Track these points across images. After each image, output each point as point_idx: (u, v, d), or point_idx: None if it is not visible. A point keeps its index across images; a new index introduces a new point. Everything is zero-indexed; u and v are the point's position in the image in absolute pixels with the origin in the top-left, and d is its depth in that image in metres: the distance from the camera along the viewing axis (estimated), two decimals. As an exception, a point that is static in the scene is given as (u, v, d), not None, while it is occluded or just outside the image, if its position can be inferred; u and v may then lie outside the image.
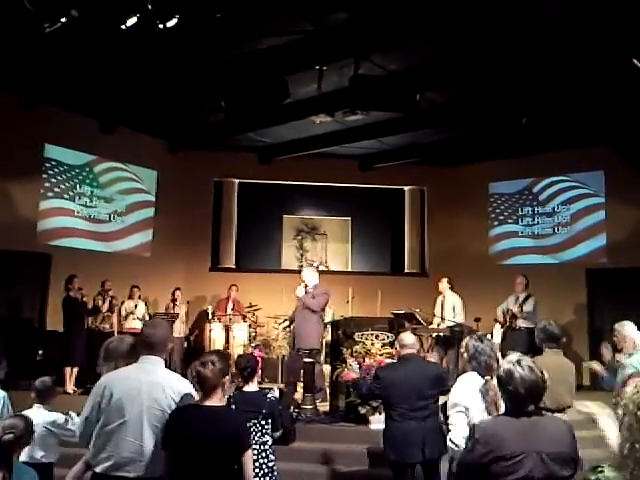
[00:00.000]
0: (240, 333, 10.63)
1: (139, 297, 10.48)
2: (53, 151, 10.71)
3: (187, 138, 12.20)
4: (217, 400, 3.30)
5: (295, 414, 7.23)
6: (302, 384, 7.71)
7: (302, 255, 13.65)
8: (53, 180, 10.70)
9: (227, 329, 10.75)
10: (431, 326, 10.11)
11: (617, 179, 11.14)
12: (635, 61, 7.01)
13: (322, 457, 6.56)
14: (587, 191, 11.75)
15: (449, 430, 3.93)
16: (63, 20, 5.79)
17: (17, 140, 9.79)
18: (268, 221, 13.47)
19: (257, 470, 4.37)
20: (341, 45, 7.87)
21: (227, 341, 10.62)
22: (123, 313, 10.19)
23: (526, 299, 9.70)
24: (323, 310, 8.05)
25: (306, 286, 7.78)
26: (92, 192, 11.35)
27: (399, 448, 4.92)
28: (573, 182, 11.93)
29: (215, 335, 10.70)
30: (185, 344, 11.43)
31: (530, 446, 2.76)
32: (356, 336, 7.44)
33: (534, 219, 12.40)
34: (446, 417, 4.09)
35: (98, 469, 3.27)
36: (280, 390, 7.15)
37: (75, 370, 9.20)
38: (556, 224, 12.09)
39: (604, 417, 3.14)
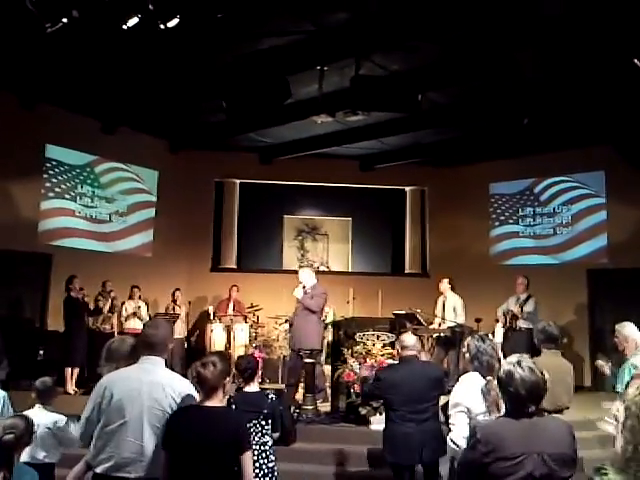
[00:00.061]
0: (241, 333, 10.63)
1: (139, 297, 10.48)
2: (54, 151, 10.71)
3: (188, 138, 12.21)
4: (218, 401, 3.30)
5: (296, 415, 7.23)
6: (303, 385, 7.71)
7: (303, 255, 13.65)
8: (54, 180, 10.70)
9: (228, 329, 10.75)
10: (432, 326, 10.10)
11: (618, 179, 11.13)
12: (636, 61, 6.99)
13: (323, 458, 6.56)
14: (588, 191, 11.74)
15: (450, 430, 3.93)
16: (64, 20, 5.79)
17: (18, 140, 9.79)
18: (269, 221, 13.48)
19: (257, 470, 4.37)
20: (342, 45, 7.87)
21: (228, 341, 10.63)
22: (124, 313, 10.19)
23: (527, 300, 9.70)
24: (322, 310, 8.04)
25: (304, 287, 7.76)
26: (93, 192, 11.35)
27: (396, 450, 4.93)
28: (574, 182, 11.93)
29: (216, 335, 10.70)
30: (186, 344, 11.43)
31: (531, 447, 2.76)
32: (357, 336, 7.44)
33: (535, 219, 12.39)
34: (447, 417, 4.09)
35: (99, 470, 3.27)
36: (280, 391, 7.16)
37: (76, 370, 9.20)
38: (557, 224, 12.08)
39: None
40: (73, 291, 9.34)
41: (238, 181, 13.23)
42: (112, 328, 9.89)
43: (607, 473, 2.60)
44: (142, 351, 3.47)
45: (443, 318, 9.99)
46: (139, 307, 10.31)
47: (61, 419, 4.65)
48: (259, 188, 13.20)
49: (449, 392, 4.27)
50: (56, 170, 10.74)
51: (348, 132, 11.13)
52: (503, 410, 3.02)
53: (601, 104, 9.14)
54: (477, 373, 3.97)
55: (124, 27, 6.03)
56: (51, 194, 10.64)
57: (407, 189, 13.56)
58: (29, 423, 3.62)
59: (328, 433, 6.98)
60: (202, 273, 12.66)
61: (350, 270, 13.63)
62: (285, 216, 13.72)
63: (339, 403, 7.44)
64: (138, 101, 9.89)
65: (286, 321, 9.66)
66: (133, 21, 5.98)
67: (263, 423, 4.63)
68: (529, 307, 9.61)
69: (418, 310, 9.97)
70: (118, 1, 5.81)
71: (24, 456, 3.94)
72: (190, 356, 10.46)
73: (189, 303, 11.82)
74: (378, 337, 7.46)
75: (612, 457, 3.10)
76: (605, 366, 5.47)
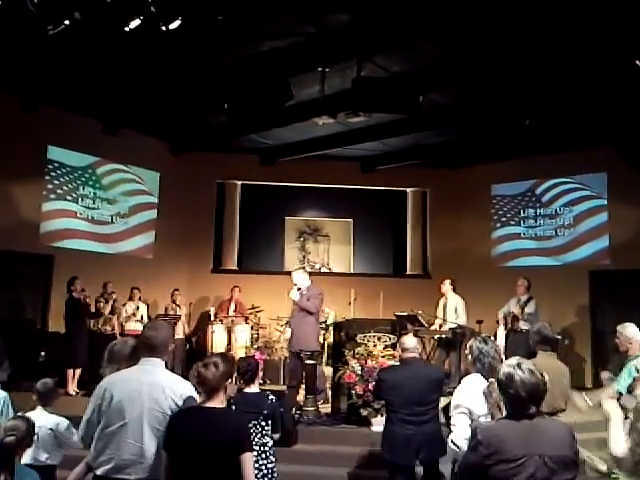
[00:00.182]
0: (242, 335, 10.63)
1: (139, 299, 10.46)
2: (56, 153, 10.72)
3: (190, 140, 12.21)
4: (219, 402, 3.30)
5: (297, 416, 7.23)
6: (304, 386, 7.71)
7: (304, 257, 13.66)
8: (56, 182, 10.71)
9: (229, 331, 10.76)
10: (433, 328, 10.11)
11: (620, 181, 11.12)
12: (637, 62, 6.99)
13: (324, 459, 6.57)
14: (590, 193, 11.73)
15: (451, 431, 3.93)
16: (66, 22, 5.80)
17: (20, 142, 9.80)
18: (270, 223, 13.49)
19: (257, 471, 4.37)
20: (343, 47, 7.87)
21: (229, 343, 10.63)
22: (123, 314, 10.18)
23: (527, 301, 9.68)
24: (319, 310, 8.04)
25: (299, 289, 7.75)
26: (95, 194, 11.36)
27: (395, 450, 4.96)
28: (576, 184, 11.92)
29: (217, 337, 10.71)
30: (187, 346, 11.43)
31: (532, 449, 2.76)
32: (358, 338, 7.43)
33: (536, 221, 12.39)
34: (448, 418, 4.09)
35: (99, 471, 3.27)
36: (281, 393, 7.15)
37: (77, 372, 9.20)
38: (559, 226, 12.08)
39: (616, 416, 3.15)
40: (75, 292, 9.34)
41: (239, 182, 13.24)
42: (113, 329, 9.88)
43: (617, 478, 2.61)
44: (142, 353, 3.47)
45: (444, 319, 9.99)
46: (137, 308, 10.31)
47: (62, 421, 4.65)
48: (260, 189, 13.21)
49: (450, 393, 4.27)
50: (58, 172, 10.75)
51: (349, 133, 11.13)
52: (505, 412, 3.03)
53: (603, 105, 9.14)
54: (479, 375, 3.97)
55: (126, 29, 6.03)
56: (53, 195, 10.65)
57: (408, 190, 13.57)
58: (30, 425, 3.63)
59: (329, 434, 6.97)
60: (203, 274, 12.67)
61: (351, 271, 13.63)
62: (286, 217, 13.73)
63: (340, 404, 7.44)
64: (140, 103, 9.89)
65: (287, 323, 9.66)
66: (135, 23, 5.98)
67: (263, 424, 4.64)
68: (530, 308, 9.59)
69: (419, 311, 9.98)
70: (120, 3, 5.81)
71: (26, 458, 3.95)
72: (191, 357, 10.45)
73: (190, 304, 11.83)
74: (379, 338, 7.45)
75: (612, 459, 3.11)
76: (609, 380, 5.43)
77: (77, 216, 11.01)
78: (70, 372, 9.14)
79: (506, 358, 3.39)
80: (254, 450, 4.21)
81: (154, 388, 3.30)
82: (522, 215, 12.57)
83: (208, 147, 12.32)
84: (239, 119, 9.82)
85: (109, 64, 8.29)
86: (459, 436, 3.76)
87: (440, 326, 10.06)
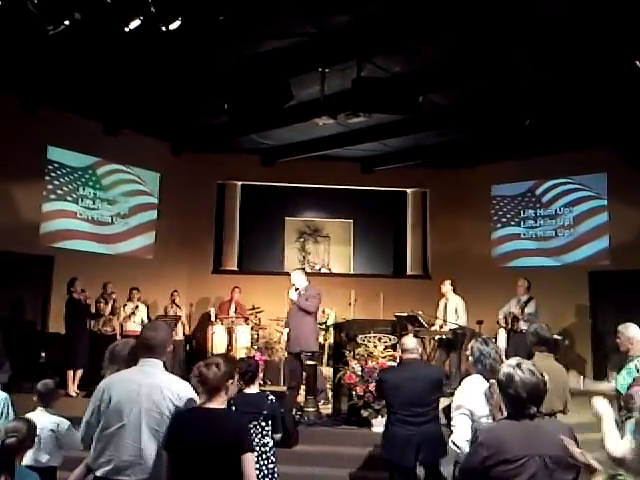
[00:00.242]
0: (242, 336, 10.62)
1: (139, 299, 10.45)
2: (56, 153, 10.72)
3: (190, 140, 12.22)
4: (220, 403, 3.29)
5: (297, 417, 7.23)
6: (304, 387, 7.71)
7: (304, 257, 13.66)
8: (56, 182, 10.71)
9: (229, 331, 10.75)
10: (433, 328, 10.10)
11: (620, 181, 11.12)
12: (637, 63, 6.99)
13: (325, 460, 6.56)
14: (590, 193, 11.73)
15: (452, 432, 3.93)
16: (66, 22, 5.79)
17: (19, 142, 9.80)
18: (271, 223, 13.48)
19: (257, 472, 4.37)
20: (344, 47, 7.87)
21: (229, 343, 10.62)
22: (123, 315, 10.17)
23: (528, 302, 9.69)
24: (317, 310, 8.05)
25: (297, 289, 7.76)
26: (95, 194, 11.35)
27: (394, 450, 4.98)
28: (576, 184, 11.92)
29: (217, 338, 10.70)
30: (187, 347, 11.43)
31: (533, 450, 2.76)
32: (358, 338, 7.42)
33: (537, 221, 12.39)
34: (449, 419, 4.09)
35: (99, 473, 3.27)
36: (281, 394, 7.15)
37: (78, 373, 9.19)
38: (559, 226, 12.08)
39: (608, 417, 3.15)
40: (75, 293, 9.34)
41: (240, 183, 13.23)
42: (114, 330, 9.87)
43: (624, 479, 2.61)
44: (141, 354, 3.45)
45: (445, 320, 9.99)
46: (137, 307, 10.29)
47: (63, 422, 4.65)
48: (261, 190, 13.21)
49: (451, 394, 4.27)
50: (58, 172, 10.75)
51: (349, 134, 11.13)
52: (505, 413, 3.03)
53: (603, 105, 9.14)
54: (480, 376, 3.97)
55: (126, 29, 6.03)
56: (53, 196, 10.64)
57: (408, 191, 13.57)
58: (31, 426, 3.62)
59: (330, 435, 6.98)
60: (203, 275, 12.67)
61: (351, 272, 13.62)
62: (287, 218, 13.73)
63: (341, 405, 7.44)
64: (140, 103, 9.89)
65: (285, 324, 9.67)
66: (135, 23, 5.98)
67: (263, 424, 4.64)
68: (530, 309, 9.60)
69: (420, 312, 9.97)
70: (120, 3, 5.81)
71: (27, 459, 3.94)
72: (191, 358, 10.45)
73: (190, 305, 11.82)
74: (380, 339, 7.44)
75: (610, 459, 3.10)
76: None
77: (77, 217, 11.00)
78: (70, 373, 9.13)
79: (507, 359, 3.40)
80: (255, 451, 4.21)
81: (152, 389, 3.29)
82: (522, 216, 12.57)
83: (208, 148, 12.31)
84: (239, 119, 9.82)
85: (109, 64, 8.29)
86: (460, 437, 3.76)
87: (440, 327, 10.05)
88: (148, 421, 3.25)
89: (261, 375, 5.83)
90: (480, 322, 10.21)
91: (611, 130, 10.36)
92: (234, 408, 4.49)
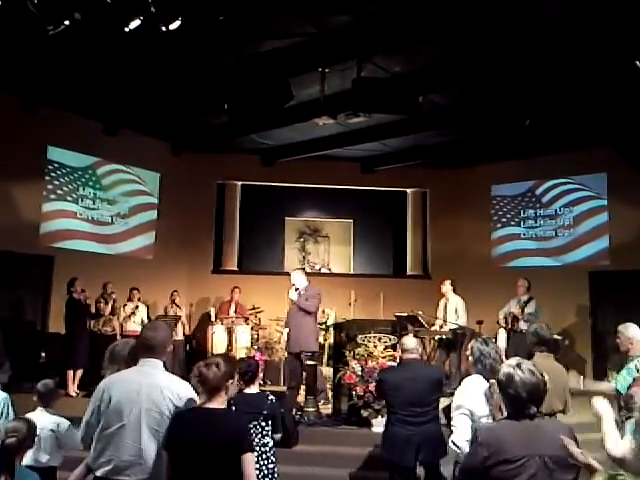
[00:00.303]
0: (242, 336, 10.62)
1: (138, 299, 10.45)
2: (56, 153, 10.72)
3: (190, 140, 12.22)
4: (220, 402, 3.29)
5: (297, 417, 7.23)
6: (304, 387, 7.71)
7: (304, 257, 13.66)
8: (56, 182, 10.71)
9: (229, 331, 10.75)
10: (433, 328, 10.10)
11: (620, 181, 11.13)
12: (637, 63, 6.99)
13: (325, 460, 6.56)
14: (590, 193, 11.73)
15: (452, 432, 3.93)
16: (66, 23, 5.79)
17: (19, 142, 9.80)
18: (271, 223, 13.49)
19: (257, 472, 4.37)
20: (344, 47, 7.87)
21: (229, 344, 10.62)
22: (122, 315, 10.16)
23: (528, 302, 9.69)
24: (317, 310, 8.05)
25: (297, 289, 7.77)
26: (95, 194, 11.35)
27: (393, 450, 4.98)
28: (576, 184, 11.92)
29: (217, 338, 10.70)
30: (187, 347, 11.43)
31: (533, 450, 2.76)
32: (358, 338, 7.42)
33: (537, 221, 12.39)
34: (449, 419, 4.09)
35: (99, 473, 3.27)
36: (281, 394, 7.14)
37: (78, 373, 9.19)
38: (559, 226, 12.08)
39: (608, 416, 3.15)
40: (75, 293, 9.34)
41: (240, 183, 13.23)
42: (114, 330, 9.87)
43: (625, 479, 2.62)
44: (141, 354, 3.45)
45: (445, 320, 9.99)
46: (137, 307, 10.30)
47: (63, 422, 4.65)
48: (261, 190, 13.21)
49: (451, 394, 4.27)
50: (58, 172, 10.75)
51: (349, 134, 11.13)
52: (505, 413, 3.03)
53: (603, 105, 9.14)
54: (480, 376, 3.98)
55: (126, 29, 6.03)
56: (53, 196, 10.64)
57: (408, 191, 13.57)
58: (31, 427, 3.62)
59: (330, 435, 6.98)
60: (204, 275, 12.67)
61: (351, 272, 13.63)
62: (286, 218, 13.73)
63: (341, 405, 7.44)
64: (140, 103, 9.89)
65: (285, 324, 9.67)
66: (135, 23, 5.98)
67: (263, 424, 4.64)
68: (530, 309, 9.60)
69: (420, 312, 9.97)
70: (120, 3, 5.81)
71: (27, 459, 3.94)
72: (191, 358, 10.45)
73: (190, 305, 11.82)
74: (380, 339, 7.44)
75: (610, 459, 3.10)
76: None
77: (77, 217, 11.00)
78: (70, 373, 9.13)
79: (507, 359, 3.40)
80: (255, 451, 4.21)
81: (152, 389, 3.29)
82: (522, 216, 12.57)
83: (208, 148, 12.31)
84: (239, 119, 9.82)
85: (109, 64, 8.29)
86: (460, 437, 3.76)
87: (440, 327, 10.05)
88: (148, 421, 3.25)
89: (261, 375, 5.83)
90: (480, 322, 10.21)
91: (611, 130, 10.36)
92: (234, 408, 4.49)
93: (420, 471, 5.09)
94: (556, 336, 9.90)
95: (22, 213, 10.10)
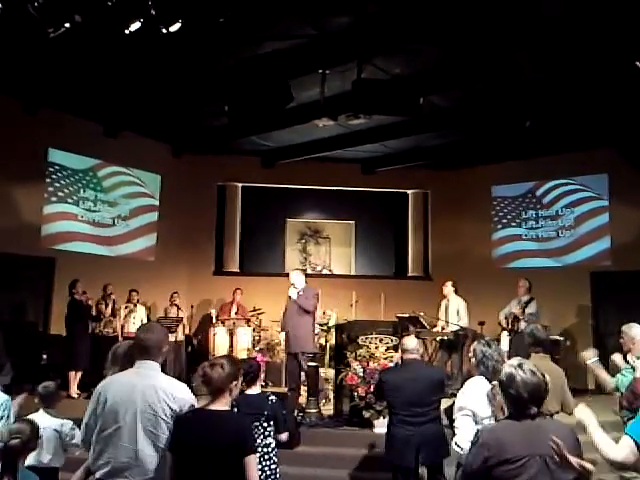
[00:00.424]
0: (244, 337, 10.62)
1: (137, 301, 10.45)
2: (56, 155, 10.73)
3: (190, 142, 12.22)
4: (223, 404, 3.29)
5: (299, 418, 7.23)
6: (306, 388, 7.71)
7: (306, 259, 13.66)
8: (57, 184, 10.71)
9: (231, 333, 10.74)
10: (435, 329, 10.10)
11: (621, 182, 11.12)
12: (638, 63, 6.99)
13: (326, 461, 6.57)
14: (591, 194, 11.72)
15: (454, 433, 3.93)
16: (67, 25, 5.80)
17: (20, 144, 9.81)
18: (272, 225, 13.49)
19: (260, 472, 4.36)
20: (344, 49, 7.87)
21: (231, 345, 10.62)
22: (122, 315, 10.16)
23: (529, 302, 9.68)
24: (316, 310, 8.07)
25: (296, 289, 7.81)
26: (96, 196, 11.36)
27: (395, 451, 4.99)
28: (577, 185, 11.91)
29: (219, 339, 10.69)
30: (189, 348, 11.43)
31: (534, 450, 2.76)
32: (360, 340, 7.43)
33: (538, 222, 12.38)
34: (451, 420, 4.10)
35: (98, 475, 3.26)
36: (283, 395, 7.14)
37: (79, 374, 9.19)
38: (560, 227, 12.07)
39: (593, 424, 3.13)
40: (76, 295, 9.35)
41: (240, 185, 13.23)
42: (115, 332, 9.88)
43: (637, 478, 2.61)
44: (137, 355, 3.43)
45: (446, 321, 9.99)
46: (135, 306, 10.29)
47: (66, 423, 4.65)
48: (261, 192, 13.22)
49: (453, 395, 4.27)
50: (59, 174, 10.76)
51: (350, 135, 11.13)
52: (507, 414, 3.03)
53: (603, 106, 9.13)
54: (483, 377, 3.98)
55: (126, 32, 6.04)
56: (54, 198, 10.65)
57: (409, 192, 13.56)
58: (35, 428, 3.62)
59: (332, 436, 6.98)
60: (205, 276, 12.67)
61: (353, 273, 13.62)
62: (288, 219, 13.72)
63: (342, 406, 7.43)
64: (140, 105, 9.90)
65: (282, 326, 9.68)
66: (135, 26, 5.99)
67: (265, 425, 4.64)
68: (531, 309, 9.60)
69: (421, 313, 9.97)
70: (120, 6, 5.81)
71: (29, 460, 3.93)
72: (192, 359, 10.46)
73: (192, 307, 11.82)
74: (381, 340, 7.45)
75: (609, 463, 3.08)
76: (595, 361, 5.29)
77: (78, 219, 11.01)
78: (72, 375, 9.13)
79: (509, 359, 3.40)
80: (257, 452, 4.21)
81: (147, 391, 3.28)
82: (523, 216, 12.56)
83: (209, 149, 12.32)
84: (240, 121, 9.83)
85: (110, 67, 8.29)
86: (463, 438, 3.76)
87: (442, 328, 10.05)
88: (144, 423, 3.24)
89: (262, 376, 5.83)
90: (482, 323, 10.22)
91: (612, 131, 10.35)
92: (236, 409, 4.49)
93: (423, 472, 5.08)
94: (557, 337, 9.93)
95: (23, 215, 10.11)
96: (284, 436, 4.75)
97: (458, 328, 9.70)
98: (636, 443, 3.03)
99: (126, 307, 10.27)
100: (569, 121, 9.91)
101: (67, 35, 5.93)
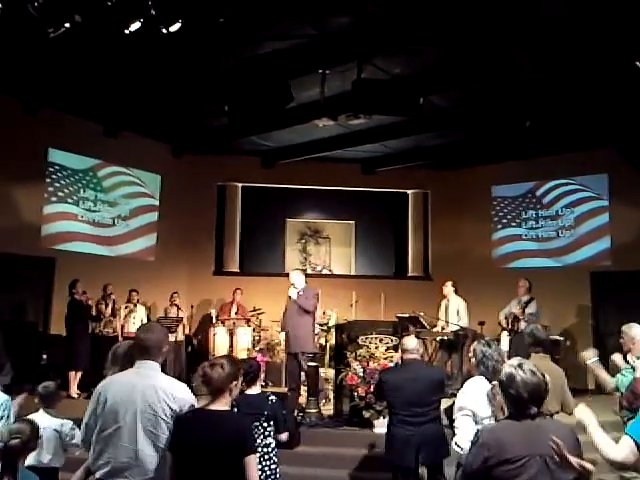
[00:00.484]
0: (244, 337, 10.62)
1: (137, 301, 10.45)
2: (56, 155, 10.73)
3: (191, 142, 12.23)
4: (223, 404, 3.29)
5: (299, 418, 7.23)
6: (306, 388, 7.71)
7: (306, 259, 13.66)
8: (57, 184, 10.72)
9: (231, 333, 10.74)
10: (435, 329, 10.10)
11: (621, 182, 11.12)
12: (638, 63, 6.99)
13: (326, 461, 6.57)
14: (591, 194, 11.72)
15: (455, 434, 3.93)
16: (67, 25, 5.80)
17: (20, 144, 9.81)
18: (272, 225, 13.49)
19: (260, 472, 4.36)
20: (344, 49, 7.87)
21: (231, 345, 10.62)
22: (122, 315, 10.16)
23: (529, 302, 9.68)
24: (316, 310, 8.08)
25: (296, 289, 7.82)
26: (96, 196, 11.36)
27: (394, 451, 4.99)
28: (577, 185, 11.91)
29: (219, 339, 10.69)
30: (189, 348, 11.43)
31: (534, 450, 2.76)
32: (360, 340, 7.43)
33: (538, 222, 12.38)
34: (452, 420, 4.10)
35: (98, 475, 3.26)
36: (283, 395, 7.14)
37: (79, 374, 9.19)
38: (560, 227, 12.07)
39: (593, 424, 3.13)
40: (76, 295, 9.35)
41: (240, 185, 13.23)
42: (115, 332, 9.89)
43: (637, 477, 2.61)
44: (137, 355, 3.43)
45: (446, 321, 9.99)
46: (135, 306, 10.29)
47: (66, 423, 4.65)
48: (261, 192, 13.22)
49: (453, 395, 4.27)
50: (59, 174, 10.76)
51: (350, 135, 11.13)
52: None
53: (603, 106, 9.13)
54: (483, 377, 3.98)
55: (126, 32, 6.04)
56: (54, 198, 10.65)
57: (409, 192, 13.56)
58: (35, 428, 3.62)
59: (332, 436, 6.98)
60: (205, 276, 12.67)
61: (353, 273, 13.62)
62: (288, 219, 13.73)
63: (342, 406, 7.43)
64: (140, 105, 9.90)
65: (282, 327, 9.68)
66: (135, 26, 5.98)
67: (265, 425, 4.64)
68: (531, 309, 9.60)
69: (421, 313, 9.97)
70: (120, 6, 5.81)
71: (29, 459, 3.93)
72: (192, 359, 10.46)
73: (192, 307, 11.82)
74: (381, 340, 7.45)
75: (609, 463, 3.08)
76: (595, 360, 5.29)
77: (78, 219, 11.01)
78: (72, 374, 9.13)
79: (509, 359, 3.40)
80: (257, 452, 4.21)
81: (147, 391, 3.27)
82: (523, 216, 12.56)
83: (209, 149, 12.32)
84: (239, 121, 9.83)
85: (110, 67, 8.29)
86: (463, 438, 3.76)
87: (442, 328, 10.05)
88: (143, 423, 3.23)
89: (262, 376, 5.83)
90: (482, 323, 10.22)
91: (612, 131, 10.35)
92: (236, 409, 4.49)
93: (423, 472, 5.09)
94: (557, 337, 9.93)
95: (23, 215, 10.11)
96: (284, 436, 4.75)
97: (458, 328, 9.71)
98: (636, 443, 3.02)
99: (126, 307, 10.28)
100: (569, 121, 9.92)
101: (67, 35, 5.93)
